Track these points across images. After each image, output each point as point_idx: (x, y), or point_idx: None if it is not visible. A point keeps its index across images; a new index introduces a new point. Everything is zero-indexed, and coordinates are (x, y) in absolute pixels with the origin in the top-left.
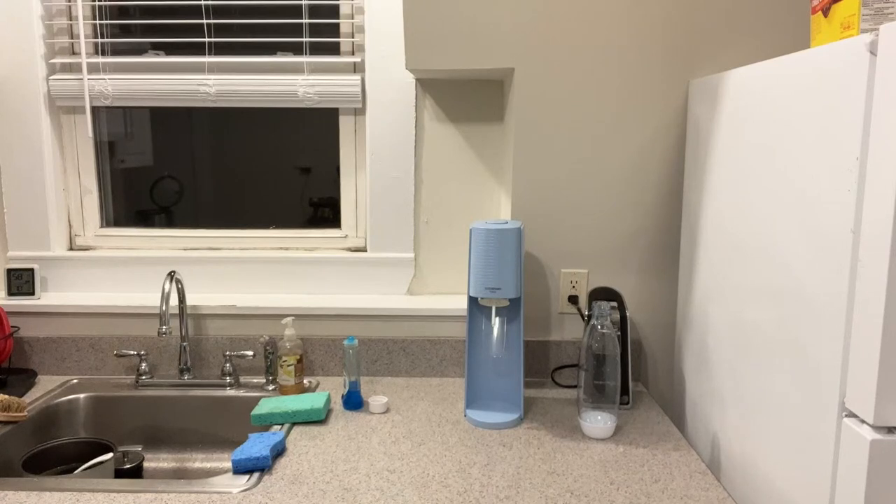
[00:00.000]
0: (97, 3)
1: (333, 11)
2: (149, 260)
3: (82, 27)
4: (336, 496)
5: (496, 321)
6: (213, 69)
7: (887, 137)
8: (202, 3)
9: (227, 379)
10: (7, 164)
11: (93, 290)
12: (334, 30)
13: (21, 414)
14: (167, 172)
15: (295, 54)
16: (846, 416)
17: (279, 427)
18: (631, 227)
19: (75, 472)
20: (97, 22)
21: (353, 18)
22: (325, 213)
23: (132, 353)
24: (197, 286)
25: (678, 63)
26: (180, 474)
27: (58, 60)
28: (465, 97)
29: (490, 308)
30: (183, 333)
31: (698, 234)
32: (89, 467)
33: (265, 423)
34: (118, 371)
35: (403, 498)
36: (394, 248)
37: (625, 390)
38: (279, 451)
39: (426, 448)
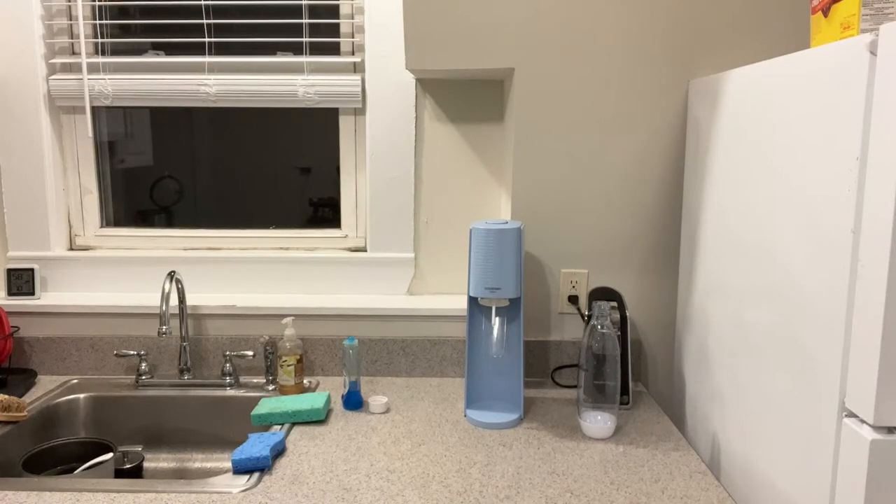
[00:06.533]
0: (97, 3)
1: (333, 11)
2: (149, 260)
3: (82, 27)
4: (336, 496)
5: (496, 321)
6: (213, 69)
7: (887, 137)
8: (202, 3)
9: (227, 379)
10: (7, 164)
11: (93, 290)
12: (334, 30)
13: (21, 414)
14: (167, 172)
15: (295, 54)
16: (846, 416)
17: (279, 427)
18: (631, 227)
19: (75, 472)
20: (97, 22)
21: (353, 18)
22: (325, 213)
23: (132, 353)
24: (197, 286)
25: (678, 63)
26: (180, 474)
27: (58, 60)
28: (465, 97)
29: (490, 308)
30: (183, 333)
31: (698, 234)
32: (89, 467)
33: (265, 423)
34: (118, 371)
35: (403, 498)
36: (394, 248)
37: (625, 390)
38: (279, 451)
39: (426, 448)
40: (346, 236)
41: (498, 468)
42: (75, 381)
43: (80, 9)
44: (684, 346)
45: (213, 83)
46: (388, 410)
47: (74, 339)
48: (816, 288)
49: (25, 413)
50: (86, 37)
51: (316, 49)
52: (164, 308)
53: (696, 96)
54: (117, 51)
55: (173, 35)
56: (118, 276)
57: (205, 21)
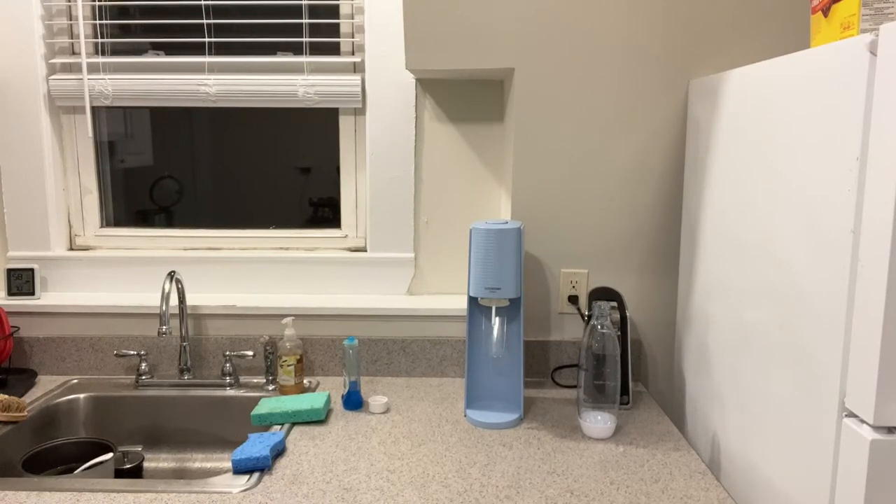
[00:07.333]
0: (97, 3)
1: (333, 11)
2: (149, 260)
3: (82, 27)
4: (336, 496)
5: (496, 321)
6: (213, 69)
7: (887, 137)
8: (202, 3)
9: (227, 379)
10: (7, 164)
11: (93, 290)
12: (334, 30)
13: (21, 414)
14: (167, 172)
15: (295, 54)
16: (846, 416)
17: (279, 427)
18: (631, 227)
19: (75, 472)
20: (97, 22)
21: (353, 18)
22: (325, 213)
23: (132, 353)
24: (197, 286)
25: (678, 63)
26: (180, 474)
27: (58, 60)
28: (465, 97)
29: (490, 308)
30: (183, 333)
31: (698, 234)
32: (89, 467)
33: (265, 423)
34: (118, 371)
35: (403, 498)
36: (394, 248)
37: (625, 390)
38: (279, 451)
39: (426, 448)
40: (346, 236)
41: (498, 468)
42: (75, 381)
43: (80, 9)
44: (684, 346)
45: (213, 83)
46: (388, 410)
47: (74, 339)
48: (816, 288)
49: (25, 413)
50: (86, 37)
51: (316, 49)
52: (164, 308)
53: (696, 96)
54: (117, 51)
55: (173, 35)
56: (118, 276)
57: (205, 21)
